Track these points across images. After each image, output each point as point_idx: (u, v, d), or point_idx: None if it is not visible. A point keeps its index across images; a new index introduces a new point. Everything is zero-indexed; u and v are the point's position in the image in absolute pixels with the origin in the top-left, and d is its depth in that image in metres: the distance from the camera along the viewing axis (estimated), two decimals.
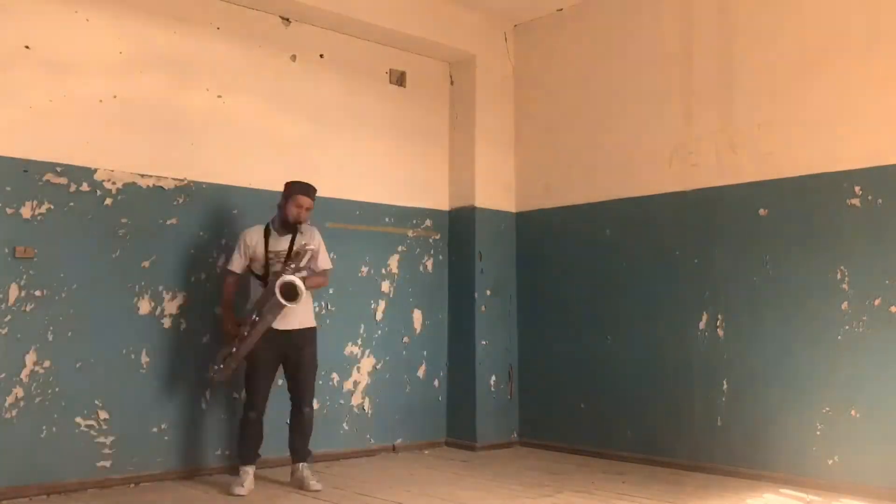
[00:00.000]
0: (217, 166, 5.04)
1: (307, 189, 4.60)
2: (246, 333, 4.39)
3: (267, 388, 4.55)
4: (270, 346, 4.46)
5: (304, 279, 4.41)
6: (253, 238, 4.57)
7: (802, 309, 4.69)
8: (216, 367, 4.49)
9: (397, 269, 5.93)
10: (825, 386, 4.55)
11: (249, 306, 4.54)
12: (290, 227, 4.55)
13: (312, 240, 4.60)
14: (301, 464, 4.56)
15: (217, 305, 4.85)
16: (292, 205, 4.54)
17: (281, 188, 5.33)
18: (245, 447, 4.50)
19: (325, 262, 4.73)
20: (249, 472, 4.46)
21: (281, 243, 4.54)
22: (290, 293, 4.28)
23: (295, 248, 4.49)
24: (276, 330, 4.44)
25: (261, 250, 4.54)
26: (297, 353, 4.55)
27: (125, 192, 4.67)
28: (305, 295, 4.36)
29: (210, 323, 4.92)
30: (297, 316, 4.51)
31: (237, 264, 4.60)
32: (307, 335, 4.62)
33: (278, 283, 4.28)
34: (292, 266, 4.39)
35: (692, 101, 5.32)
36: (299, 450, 4.59)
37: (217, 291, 4.96)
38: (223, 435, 4.94)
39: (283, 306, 4.31)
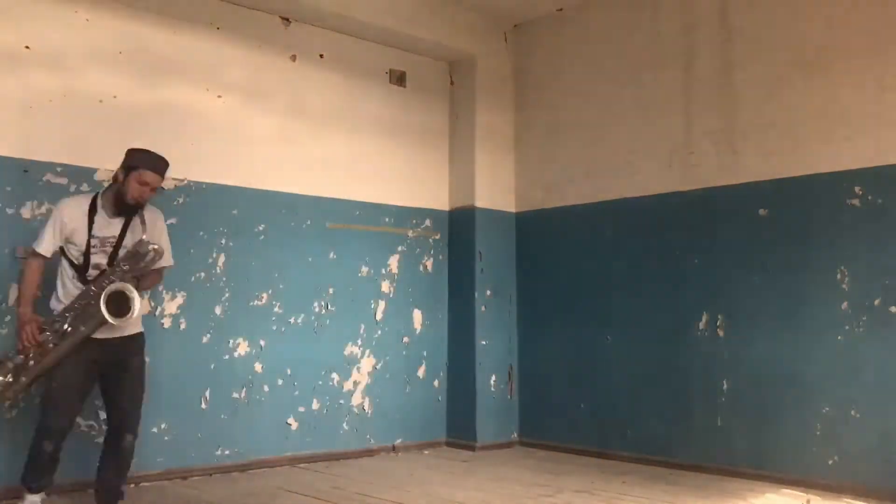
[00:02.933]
0: (217, 166, 5.04)
1: (157, 163, 3.67)
2: (51, 344, 3.48)
3: (73, 411, 3.65)
4: (82, 358, 3.53)
5: (138, 282, 3.61)
6: (73, 214, 3.60)
7: (802, 309, 4.69)
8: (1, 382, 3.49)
9: (397, 269, 5.93)
10: (825, 386, 4.55)
11: (57, 305, 3.59)
12: (125, 208, 3.62)
13: (155, 229, 3.72)
14: None
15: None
16: (134, 180, 3.59)
17: (282, 188, 5.35)
18: (36, 474, 3.64)
19: (167, 258, 3.80)
20: (37, 501, 3.67)
21: (110, 227, 3.61)
22: (122, 306, 3.46)
23: (133, 245, 3.60)
24: (92, 338, 3.53)
25: (83, 233, 3.57)
26: (117, 367, 3.65)
27: None
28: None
29: (209, 323, 4.93)
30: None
31: (47, 245, 3.59)
32: (132, 344, 3.71)
33: (106, 292, 3.45)
34: (125, 268, 3.55)
35: (692, 101, 5.32)
36: (112, 489, 3.70)
37: (216, 290, 4.98)
38: (224, 435, 4.93)
39: (104, 322, 3.48)
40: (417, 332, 6.03)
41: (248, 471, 4.99)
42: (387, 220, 5.92)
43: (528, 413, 6.15)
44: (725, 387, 4.99)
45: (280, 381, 5.24)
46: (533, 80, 6.38)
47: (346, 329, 5.61)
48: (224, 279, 5.02)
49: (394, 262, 5.92)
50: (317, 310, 5.46)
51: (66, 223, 3.59)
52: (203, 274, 4.94)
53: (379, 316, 5.80)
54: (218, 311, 4.98)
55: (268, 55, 5.36)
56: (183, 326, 4.83)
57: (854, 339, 4.47)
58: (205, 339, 4.92)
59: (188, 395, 4.84)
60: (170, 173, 4.80)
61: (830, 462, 4.48)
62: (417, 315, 6.04)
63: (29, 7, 4.39)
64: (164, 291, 4.76)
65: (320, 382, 5.45)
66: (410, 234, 6.06)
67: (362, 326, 5.70)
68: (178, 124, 4.90)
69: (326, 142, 5.62)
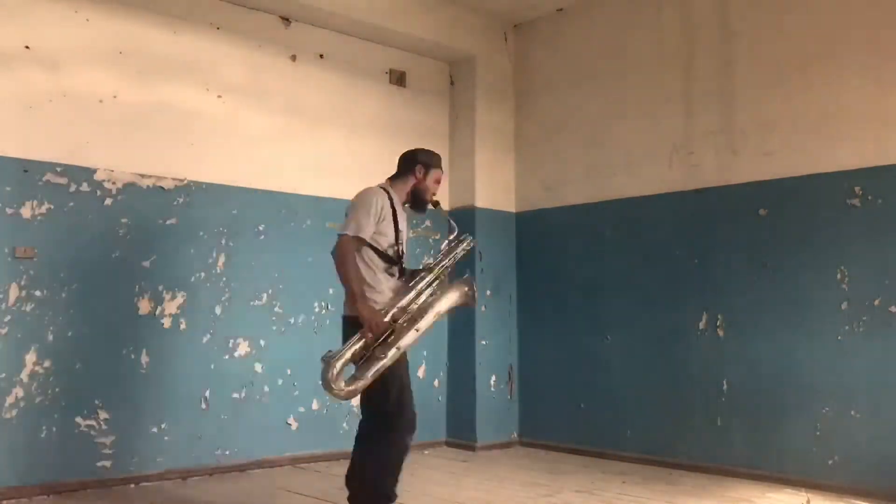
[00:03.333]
0: (217, 166, 5.04)
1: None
2: (404, 335, 3.43)
3: None
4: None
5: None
6: (386, 204, 3.52)
7: (802, 309, 4.68)
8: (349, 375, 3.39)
9: None
10: (825, 386, 4.55)
11: (378, 297, 3.45)
12: (420, 205, 3.70)
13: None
14: None
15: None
16: (433, 180, 3.68)
17: (281, 188, 5.35)
18: (395, 479, 3.50)
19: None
20: None
21: (403, 220, 3.63)
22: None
23: (452, 242, 3.70)
24: None
25: (391, 224, 3.53)
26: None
27: (125, 192, 4.67)
28: None
29: (209, 323, 4.93)
30: None
31: (369, 231, 3.44)
32: None
33: (473, 284, 3.62)
34: (448, 261, 3.64)
35: (692, 101, 5.32)
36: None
37: (216, 290, 4.98)
38: (224, 435, 4.94)
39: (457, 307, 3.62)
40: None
41: (248, 471, 4.99)
42: None
43: (528, 413, 6.15)
44: (725, 387, 4.99)
45: (280, 381, 5.24)
46: (533, 79, 6.38)
47: None
48: (224, 279, 5.02)
49: None
50: (317, 310, 5.46)
51: (383, 212, 3.49)
52: (203, 274, 4.94)
53: None
54: (218, 311, 4.98)
55: (268, 55, 5.36)
56: (183, 326, 4.83)
57: (854, 339, 4.47)
58: (205, 339, 4.91)
59: (188, 395, 4.83)
60: (174, 174, 4.86)
61: (830, 462, 4.48)
62: None
63: (29, 7, 4.40)
64: (164, 291, 4.76)
65: (320, 382, 5.43)
66: (410, 234, 6.04)
67: None
68: (178, 124, 4.90)
69: (326, 142, 5.63)
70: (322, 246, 5.47)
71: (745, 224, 4.99)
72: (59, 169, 4.44)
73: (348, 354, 3.39)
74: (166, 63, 4.89)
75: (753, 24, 5.05)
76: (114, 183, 4.64)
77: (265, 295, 5.20)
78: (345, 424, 5.55)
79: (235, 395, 5.01)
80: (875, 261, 4.43)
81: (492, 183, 6.26)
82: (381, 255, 3.50)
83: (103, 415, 4.50)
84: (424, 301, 3.49)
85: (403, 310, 3.44)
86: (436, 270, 3.56)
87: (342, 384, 3.34)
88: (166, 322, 4.77)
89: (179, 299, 4.82)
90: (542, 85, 6.30)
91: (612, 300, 5.67)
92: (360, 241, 3.43)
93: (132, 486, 4.52)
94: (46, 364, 4.33)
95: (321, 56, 5.65)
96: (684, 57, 5.39)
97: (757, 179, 4.95)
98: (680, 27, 5.44)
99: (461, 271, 4.00)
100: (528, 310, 6.23)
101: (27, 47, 4.37)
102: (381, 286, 3.48)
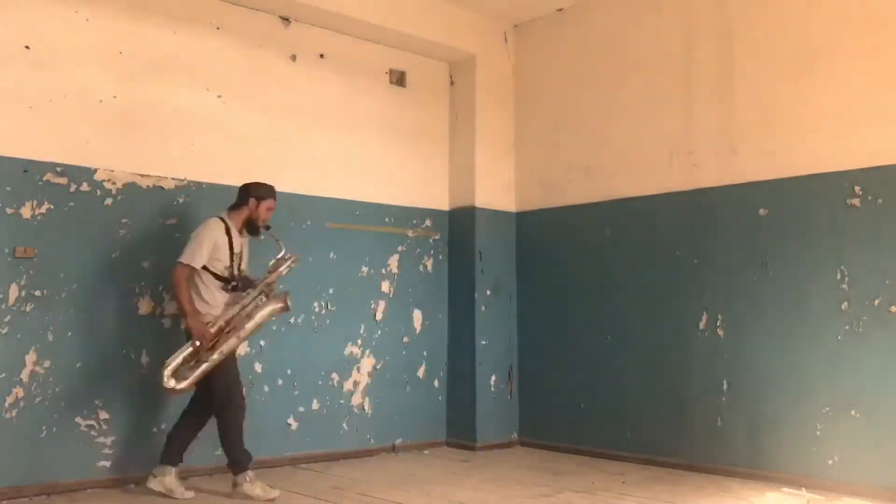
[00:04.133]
0: (217, 166, 5.04)
1: (275, 192, 4.56)
2: (227, 341, 4.23)
3: None
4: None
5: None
6: (220, 234, 4.31)
7: (802, 309, 4.69)
8: (180, 375, 4.16)
9: (397, 269, 5.93)
10: (825, 386, 4.55)
11: (210, 309, 4.25)
12: (253, 230, 4.46)
13: (246, 244, 4.52)
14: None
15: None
16: (265, 208, 4.46)
17: (281, 188, 5.34)
18: (245, 449, 4.42)
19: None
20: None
21: (238, 244, 4.39)
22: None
23: (276, 260, 4.42)
24: None
25: (226, 250, 4.31)
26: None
27: (125, 192, 4.67)
28: None
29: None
30: None
31: (200, 260, 4.23)
32: None
33: (287, 298, 4.39)
34: (268, 277, 4.39)
35: (692, 101, 5.32)
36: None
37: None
38: None
39: (277, 314, 4.46)
40: (417, 332, 6.03)
41: None
42: (387, 220, 5.92)
43: (528, 413, 6.15)
44: (725, 387, 4.99)
45: (280, 381, 5.24)
46: (533, 79, 6.38)
47: (346, 329, 5.60)
48: None
49: (394, 262, 5.92)
50: (317, 310, 5.46)
51: (218, 242, 4.27)
52: None
53: (379, 316, 5.80)
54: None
55: (268, 55, 5.36)
56: (183, 326, 4.82)
57: (854, 339, 4.47)
58: None
59: (188, 395, 4.82)
60: (174, 174, 4.86)
61: (830, 462, 4.48)
62: (417, 315, 6.04)
63: (29, 7, 4.39)
64: (164, 291, 4.76)
65: (320, 382, 5.45)
66: (410, 234, 6.06)
67: (362, 326, 5.70)
68: (178, 124, 4.90)
69: (326, 142, 5.63)
70: (322, 246, 5.52)
71: (745, 224, 4.99)
72: (59, 169, 4.43)
73: (179, 359, 4.17)
74: (166, 63, 4.89)
75: (753, 24, 5.05)
76: (114, 183, 4.64)
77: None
78: (344, 425, 5.55)
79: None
80: (875, 261, 4.43)
81: (492, 183, 6.26)
82: (217, 276, 4.28)
83: (103, 415, 4.50)
84: (247, 312, 4.28)
85: (229, 321, 4.25)
86: (259, 287, 4.35)
87: (172, 382, 4.14)
88: (166, 322, 4.77)
89: None
90: (542, 85, 6.31)
91: (612, 300, 5.67)
92: (193, 269, 4.21)
93: (132, 486, 4.52)
94: (46, 364, 4.33)
95: (321, 56, 5.65)
96: (684, 57, 5.39)
97: (757, 179, 4.95)
98: (680, 27, 5.43)
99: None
100: (528, 310, 6.23)
101: (27, 47, 4.37)
102: (216, 301, 4.29)
